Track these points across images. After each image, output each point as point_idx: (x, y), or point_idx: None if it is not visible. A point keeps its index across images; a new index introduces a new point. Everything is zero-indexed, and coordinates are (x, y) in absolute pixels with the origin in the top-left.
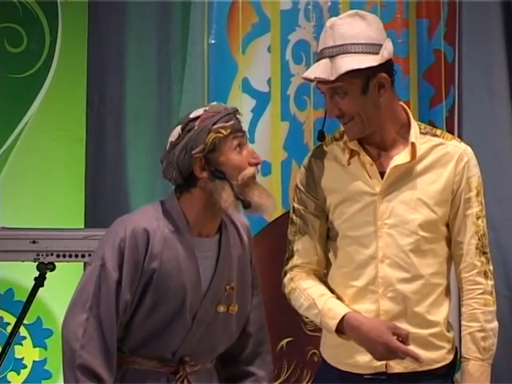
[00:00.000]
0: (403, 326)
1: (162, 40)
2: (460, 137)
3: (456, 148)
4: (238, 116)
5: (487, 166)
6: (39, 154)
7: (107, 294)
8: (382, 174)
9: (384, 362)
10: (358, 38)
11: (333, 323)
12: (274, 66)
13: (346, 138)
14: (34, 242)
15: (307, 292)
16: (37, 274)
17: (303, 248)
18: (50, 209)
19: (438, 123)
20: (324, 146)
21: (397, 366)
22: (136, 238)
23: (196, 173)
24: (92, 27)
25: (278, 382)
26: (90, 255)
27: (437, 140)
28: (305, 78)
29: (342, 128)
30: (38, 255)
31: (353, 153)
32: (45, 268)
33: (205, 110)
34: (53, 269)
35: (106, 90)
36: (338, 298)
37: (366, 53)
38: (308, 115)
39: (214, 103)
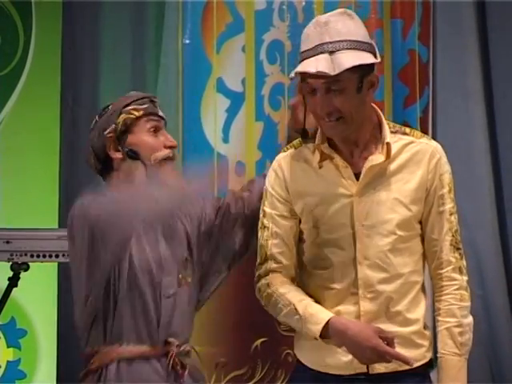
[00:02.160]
0: (384, 325)
1: (136, 40)
2: (434, 137)
3: (427, 146)
4: (154, 101)
5: (461, 165)
6: (13, 154)
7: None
8: (356, 175)
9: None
10: (354, 35)
11: (317, 329)
12: (249, 66)
13: (317, 139)
14: (7, 242)
15: (285, 297)
16: (11, 274)
17: (277, 252)
18: (24, 209)
19: (413, 123)
20: (292, 148)
21: (378, 367)
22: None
23: (110, 154)
24: (66, 27)
25: (253, 382)
26: (64, 255)
27: (407, 138)
28: (299, 73)
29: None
30: (11, 255)
31: (323, 155)
32: (18, 268)
33: (121, 96)
34: (27, 269)
35: (80, 91)
36: (317, 301)
37: (362, 50)
38: (282, 115)
39: (133, 92)
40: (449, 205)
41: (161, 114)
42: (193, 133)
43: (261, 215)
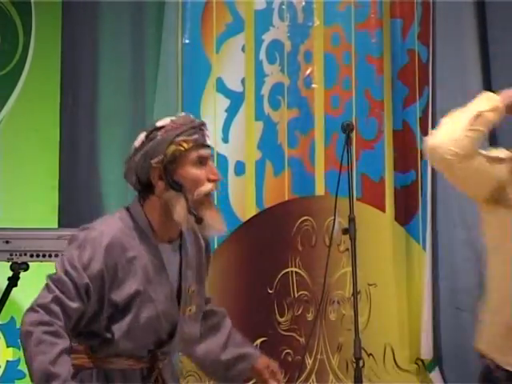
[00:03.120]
0: None
1: (135, 40)
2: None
3: None
4: (204, 130)
5: None
6: (13, 154)
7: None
8: None
9: None
10: None
11: None
12: (248, 65)
13: None
14: (7, 242)
15: None
16: (10, 273)
17: None
18: (23, 209)
19: (412, 123)
20: None
21: None
22: (106, 249)
23: (153, 181)
24: (66, 27)
25: (252, 382)
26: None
27: None
28: None
29: None
30: (11, 255)
31: None
32: (18, 268)
33: (171, 120)
34: (26, 269)
35: (79, 91)
36: None
37: None
38: (282, 115)
39: (183, 114)
40: None
41: (208, 143)
42: None
43: None
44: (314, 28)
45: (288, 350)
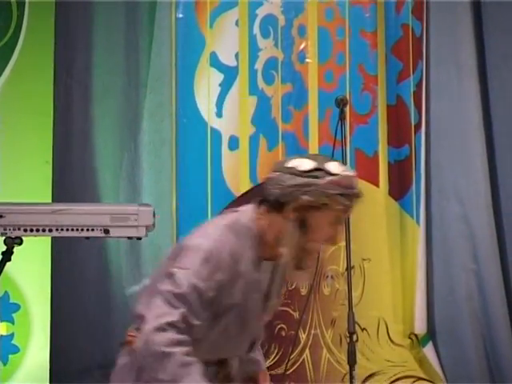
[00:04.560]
0: None
1: (129, 14)
2: (427, 111)
3: None
4: (357, 201)
5: (455, 139)
6: (6, 129)
7: (197, 304)
8: None
9: None
10: None
11: None
12: (242, 40)
13: None
14: (1, 217)
15: None
16: (4, 248)
17: None
18: (17, 183)
19: (406, 97)
20: None
21: None
22: (222, 262)
23: (287, 208)
24: (59, 1)
25: None
26: (57, 230)
27: None
28: None
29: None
30: (5, 229)
31: None
32: (12, 242)
33: (343, 176)
34: (20, 243)
35: (73, 65)
36: None
37: None
38: (275, 90)
39: (353, 173)
40: None
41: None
42: (186, 107)
43: None
44: (308, 3)
45: (282, 325)
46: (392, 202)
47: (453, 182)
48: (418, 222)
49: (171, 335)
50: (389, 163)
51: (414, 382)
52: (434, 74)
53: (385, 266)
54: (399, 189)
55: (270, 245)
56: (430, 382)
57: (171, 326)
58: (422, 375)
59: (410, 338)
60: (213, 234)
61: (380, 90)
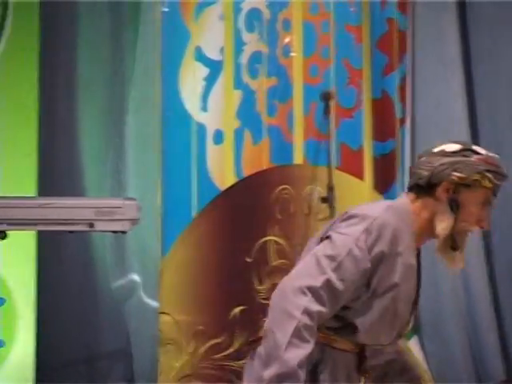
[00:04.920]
0: None
1: (114, 8)
2: (413, 104)
3: None
4: (503, 183)
5: (440, 132)
6: None
7: (350, 272)
8: None
9: None
10: None
11: None
12: (227, 34)
13: None
14: None
15: None
16: None
17: None
18: (1, 176)
19: (391, 91)
20: None
21: None
22: (386, 236)
23: (439, 188)
24: None
25: (230, 350)
26: (42, 223)
27: None
28: None
29: None
30: None
31: None
32: None
33: (489, 155)
34: (4, 237)
35: (58, 60)
36: None
37: None
38: (260, 84)
39: (497, 156)
40: None
41: (497, 194)
42: (171, 101)
43: None
44: None
45: (267, 319)
46: (377, 195)
47: None
48: None
49: (307, 301)
50: (374, 157)
51: None
52: (420, 68)
53: None
54: (384, 182)
55: (425, 229)
56: None
57: (311, 291)
58: None
59: None
60: (378, 209)
61: (365, 84)
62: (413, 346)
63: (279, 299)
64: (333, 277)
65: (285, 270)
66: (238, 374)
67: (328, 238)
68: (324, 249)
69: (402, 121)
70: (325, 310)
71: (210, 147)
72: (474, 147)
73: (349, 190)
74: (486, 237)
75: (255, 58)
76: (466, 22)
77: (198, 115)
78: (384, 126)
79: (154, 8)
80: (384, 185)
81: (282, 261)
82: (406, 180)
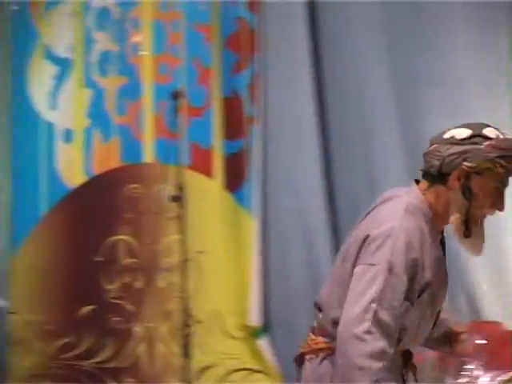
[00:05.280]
0: None
1: None
2: (266, 103)
3: None
4: None
5: (291, 132)
6: None
7: (393, 298)
8: None
9: None
10: None
11: None
12: (76, 33)
13: None
14: None
15: None
16: None
17: None
18: None
19: (241, 90)
20: None
21: None
22: (413, 242)
23: (450, 178)
24: None
25: (79, 350)
26: None
27: None
28: None
29: None
30: None
31: None
32: None
33: (501, 139)
34: None
35: None
36: None
37: None
38: (110, 82)
39: (509, 138)
40: None
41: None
42: (20, 100)
43: None
44: None
45: (117, 318)
46: (227, 194)
47: (288, 174)
48: (253, 214)
49: (368, 346)
50: (224, 156)
51: (250, 374)
52: (270, 66)
53: (220, 258)
54: (234, 181)
55: (442, 218)
56: (265, 373)
57: (368, 333)
58: (257, 367)
59: (245, 330)
60: (395, 214)
61: (215, 83)
62: (264, 345)
63: (345, 355)
64: (379, 311)
65: (134, 269)
66: (89, 374)
67: (358, 270)
68: (359, 286)
69: (253, 120)
70: (384, 346)
71: (60, 146)
72: (485, 131)
73: (199, 188)
74: (336, 232)
75: (105, 56)
76: (315, 20)
77: (47, 114)
78: (234, 125)
79: (2, 6)
80: (234, 183)
81: (131, 260)
82: (257, 179)
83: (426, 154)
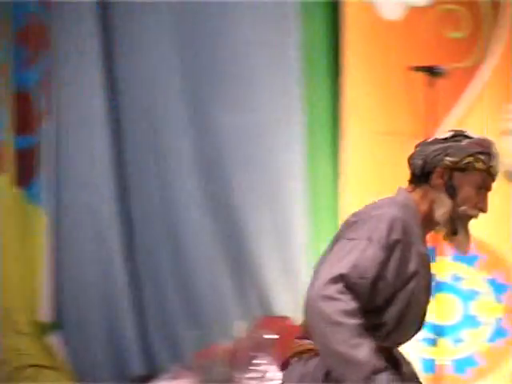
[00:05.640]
0: None
1: None
2: (58, 98)
3: None
4: (497, 163)
5: (82, 124)
6: None
7: (368, 267)
8: None
9: None
10: None
11: None
12: None
13: None
14: None
15: None
16: None
17: None
18: None
19: (31, 86)
20: None
21: None
22: (397, 226)
23: (433, 175)
24: None
25: None
26: None
27: None
28: None
29: None
30: None
31: None
32: None
33: (482, 138)
34: None
35: None
36: None
37: None
38: None
39: (487, 138)
40: None
41: (495, 178)
42: None
43: None
44: None
45: None
46: (17, 190)
47: (80, 170)
48: (44, 210)
49: (343, 304)
50: (15, 151)
51: (40, 370)
52: (62, 62)
53: (9, 254)
54: (25, 177)
55: (428, 218)
56: (56, 370)
57: (342, 293)
58: (47, 364)
59: (35, 326)
60: (383, 205)
61: (5, 78)
62: (55, 342)
63: (313, 315)
64: (352, 277)
65: None
66: None
67: (338, 244)
68: (335, 256)
69: (45, 115)
70: (358, 307)
71: None
72: (466, 132)
73: None
74: (129, 227)
75: None
76: (108, 19)
77: None
78: (26, 120)
79: None
80: (25, 179)
81: None
82: (48, 174)
83: (409, 158)
